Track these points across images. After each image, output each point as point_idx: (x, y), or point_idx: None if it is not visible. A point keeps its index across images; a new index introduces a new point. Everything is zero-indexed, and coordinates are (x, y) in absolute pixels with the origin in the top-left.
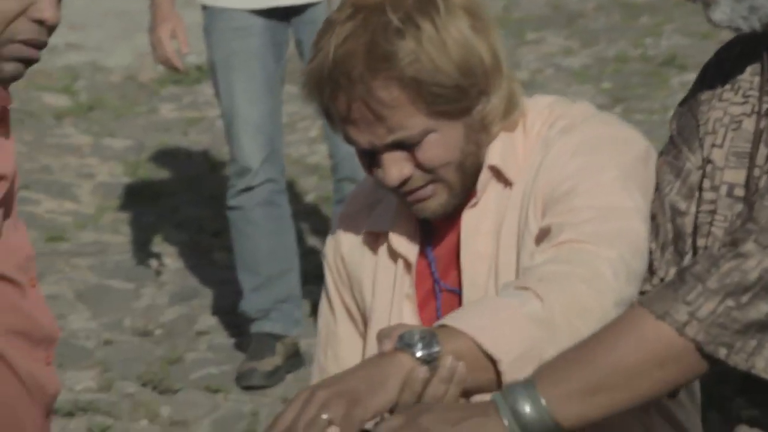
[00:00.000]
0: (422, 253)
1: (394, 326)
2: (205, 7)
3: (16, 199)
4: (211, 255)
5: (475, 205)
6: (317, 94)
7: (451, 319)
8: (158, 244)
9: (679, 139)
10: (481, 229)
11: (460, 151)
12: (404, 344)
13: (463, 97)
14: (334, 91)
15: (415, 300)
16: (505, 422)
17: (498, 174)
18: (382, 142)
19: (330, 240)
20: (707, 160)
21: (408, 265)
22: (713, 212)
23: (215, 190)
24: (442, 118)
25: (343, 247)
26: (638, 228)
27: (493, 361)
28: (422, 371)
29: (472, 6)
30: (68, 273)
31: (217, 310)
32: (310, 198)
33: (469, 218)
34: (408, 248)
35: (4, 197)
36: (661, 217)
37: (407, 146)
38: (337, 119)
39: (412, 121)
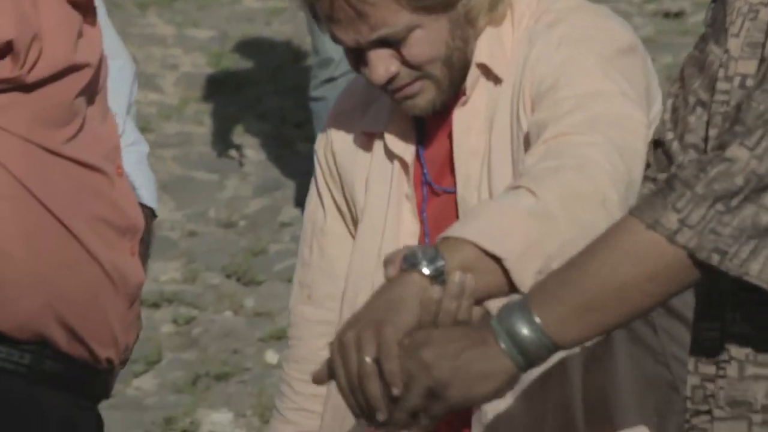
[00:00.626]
0: (416, 154)
1: (397, 251)
2: None
3: (106, 89)
4: (294, 146)
5: (465, 103)
6: None
7: (450, 231)
8: (241, 135)
9: (709, 32)
10: (473, 126)
11: (446, 47)
12: (409, 264)
13: None
14: None
15: (414, 200)
16: (503, 346)
17: (487, 71)
18: (366, 39)
19: (321, 137)
20: (725, 50)
21: (405, 165)
22: (726, 103)
23: (298, 81)
24: (425, 13)
25: (335, 145)
26: (622, 109)
27: (499, 261)
28: (435, 291)
29: None
30: (153, 164)
31: (300, 201)
32: None
33: (460, 117)
34: (404, 148)
35: (88, 85)
36: (682, 111)
37: (392, 43)
38: (322, 18)
39: (395, 18)
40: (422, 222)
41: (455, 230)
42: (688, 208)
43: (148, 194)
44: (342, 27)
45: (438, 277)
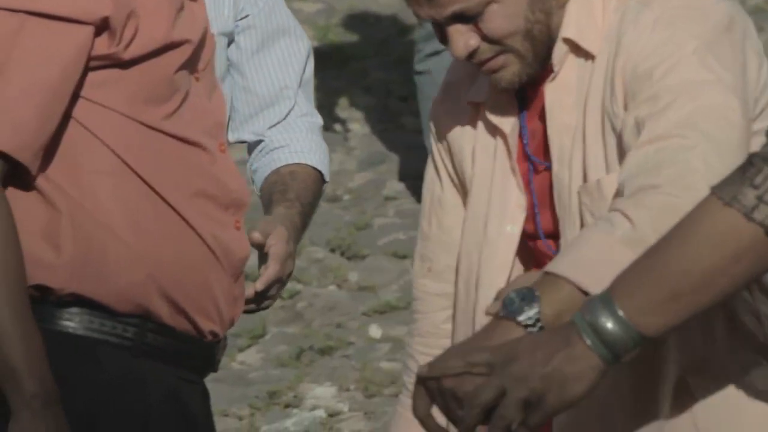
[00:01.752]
0: (519, 126)
1: (502, 289)
2: None
3: (212, 65)
4: (399, 119)
5: (554, 78)
6: None
7: (551, 265)
8: (346, 109)
9: None
10: (565, 102)
11: (525, 20)
12: (507, 311)
13: None
14: None
15: (518, 173)
16: (588, 342)
17: (575, 47)
18: (442, 15)
19: (432, 108)
20: None
21: (504, 137)
22: None
23: (404, 54)
24: None
25: (445, 116)
26: (719, 98)
27: None
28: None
29: None
30: None
31: (405, 175)
32: None
33: (550, 92)
34: (503, 120)
35: (188, 61)
36: None
37: (469, 18)
38: None
39: None
40: (530, 193)
41: (555, 265)
42: (766, 185)
43: (318, 158)
44: (418, 3)
45: (534, 325)
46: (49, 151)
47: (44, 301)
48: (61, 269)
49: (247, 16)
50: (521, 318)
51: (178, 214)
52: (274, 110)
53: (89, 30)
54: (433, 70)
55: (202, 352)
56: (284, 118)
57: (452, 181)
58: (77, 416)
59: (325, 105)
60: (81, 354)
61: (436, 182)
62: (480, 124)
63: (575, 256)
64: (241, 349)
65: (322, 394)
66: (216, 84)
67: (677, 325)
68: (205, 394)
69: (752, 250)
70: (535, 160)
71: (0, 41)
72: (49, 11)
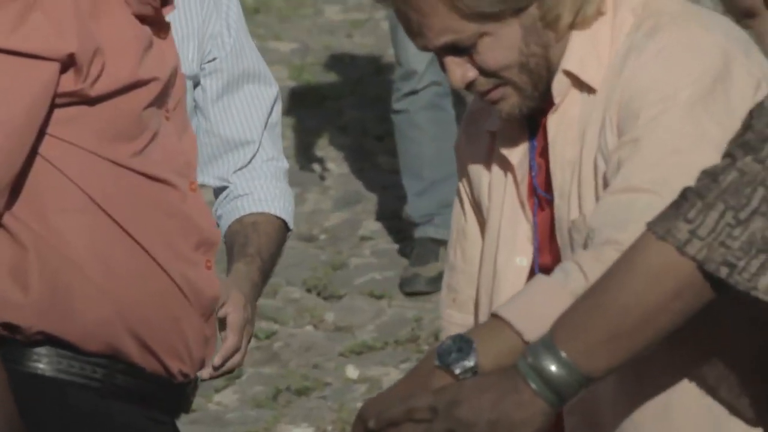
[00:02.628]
0: (528, 156)
1: (444, 340)
2: None
3: (183, 105)
4: (375, 159)
5: (556, 111)
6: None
7: (499, 308)
8: (322, 148)
9: None
10: (568, 136)
11: (519, 53)
12: (441, 361)
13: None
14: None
15: (527, 204)
16: (534, 386)
17: (577, 80)
18: (434, 45)
19: (457, 137)
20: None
21: (511, 167)
22: None
23: (380, 93)
24: (489, 21)
25: (466, 146)
26: (698, 157)
27: None
28: None
29: None
30: None
31: (381, 215)
32: None
33: (553, 125)
34: (511, 150)
35: (156, 99)
36: None
37: (462, 50)
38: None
39: (458, 25)
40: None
41: (503, 308)
42: (699, 219)
43: (281, 206)
44: (411, 33)
45: (466, 374)
46: (16, 188)
47: (13, 341)
48: (28, 308)
49: (214, 59)
50: (457, 371)
51: (147, 252)
52: (238, 154)
53: (55, 66)
54: (410, 109)
55: (172, 393)
56: (248, 163)
57: (474, 211)
58: None
59: (301, 144)
60: (49, 395)
61: (460, 213)
62: (494, 154)
63: (524, 302)
64: (217, 390)
65: None
66: (187, 124)
67: (622, 365)
68: None
69: (690, 285)
70: (540, 193)
71: None
72: (13, 48)
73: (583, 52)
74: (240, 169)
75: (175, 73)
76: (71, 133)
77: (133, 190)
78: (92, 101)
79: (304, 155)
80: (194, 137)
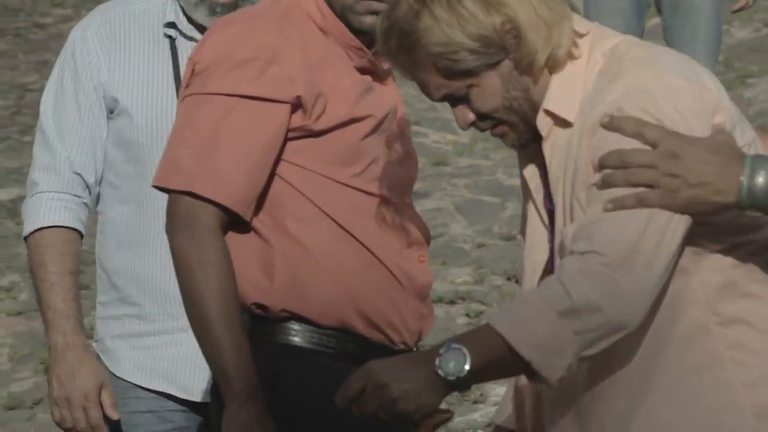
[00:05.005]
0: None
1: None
2: None
3: (406, 137)
4: None
5: (547, 139)
6: None
7: (493, 318)
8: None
9: None
10: (559, 159)
11: (502, 98)
12: (442, 371)
13: (477, 58)
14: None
15: (546, 216)
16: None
17: (556, 117)
18: (435, 97)
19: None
20: None
21: (525, 182)
22: None
23: None
24: (470, 77)
25: (520, 150)
26: (658, 218)
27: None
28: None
29: None
30: (449, 191)
31: None
32: None
33: (546, 150)
34: (527, 168)
35: (372, 131)
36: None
37: (459, 99)
38: None
39: (447, 82)
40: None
41: (496, 319)
42: None
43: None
44: (420, 89)
45: (458, 384)
46: (261, 202)
47: (266, 318)
48: (273, 292)
49: None
50: (451, 379)
51: (368, 250)
52: None
53: (287, 108)
54: None
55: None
56: None
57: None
58: (291, 404)
59: (504, 164)
60: (298, 359)
61: (523, 203)
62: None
63: (513, 317)
64: None
65: (503, 392)
66: (410, 151)
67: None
68: None
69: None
70: (548, 205)
71: (217, 118)
72: (255, 94)
73: (560, 93)
74: None
75: (395, 111)
76: (302, 159)
77: (355, 203)
78: (317, 134)
79: (505, 172)
80: (416, 162)
